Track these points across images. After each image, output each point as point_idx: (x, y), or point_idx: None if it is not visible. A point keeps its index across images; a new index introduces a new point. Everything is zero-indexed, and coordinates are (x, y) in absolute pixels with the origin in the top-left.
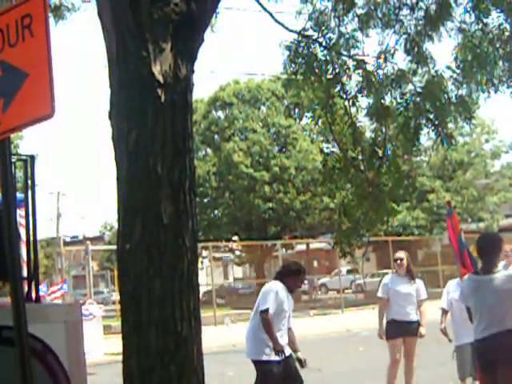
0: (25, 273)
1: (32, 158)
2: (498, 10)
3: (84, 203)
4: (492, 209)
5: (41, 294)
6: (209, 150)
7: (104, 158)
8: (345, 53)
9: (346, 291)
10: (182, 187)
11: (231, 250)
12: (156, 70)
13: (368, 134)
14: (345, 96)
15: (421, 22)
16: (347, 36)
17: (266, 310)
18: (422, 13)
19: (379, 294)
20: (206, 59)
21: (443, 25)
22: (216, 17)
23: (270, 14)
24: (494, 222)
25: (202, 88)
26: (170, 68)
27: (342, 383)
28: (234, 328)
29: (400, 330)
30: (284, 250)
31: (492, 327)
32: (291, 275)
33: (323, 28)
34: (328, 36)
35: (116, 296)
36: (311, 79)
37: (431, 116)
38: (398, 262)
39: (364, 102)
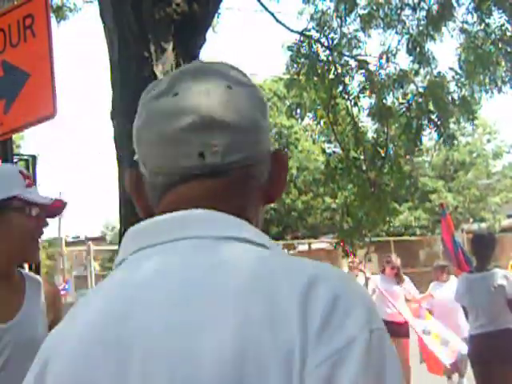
0: None
1: (34, 157)
2: (500, 11)
3: (85, 203)
4: (494, 209)
5: None
6: None
7: (106, 158)
8: (347, 53)
9: None
10: None
11: None
12: (158, 70)
13: (370, 135)
14: (347, 96)
15: (423, 23)
16: (349, 36)
17: None
18: (423, 13)
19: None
20: (208, 59)
21: (445, 25)
22: (218, 17)
23: (272, 15)
24: (496, 222)
25: None
26: (171, 68)
27: None
28: None
29: (389, 330)
30: (286, 250)
31: (486, 325)
32: None
33: (325, 28)
34: (330, 36)
35: None
36: (313, 79)
37: (433, 116)
38: (395, 270)
39: (366, 102)
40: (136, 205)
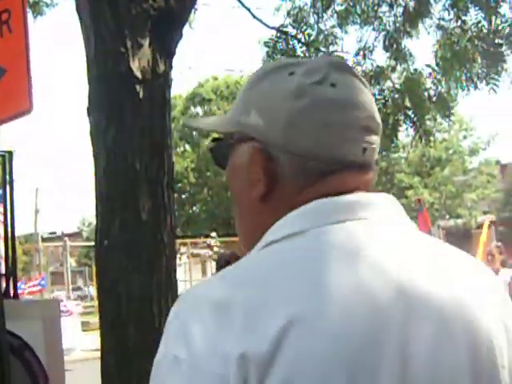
0: (3, 269)
1: (10, 153)
2: (477, 8)
3: (62, 198)
4: (470, 205)
5: (19, 291)
6: (187, 146)
7: (82, 154)
8: (323, 49)
9: None
10: (161, 183)
11: (209, 247)
12: (134, 66)
13: None
14: None
15: (400, 19)
16: (326, 33)
17: None
18: (400, 10)
19: None
20: (185, 55)
21: (422, 22)
22: (194, 13)
23: (249, 10)
24: (472, 218)
25: (181, 84)
26: (148, 64)
27: None
28: None
29: None
30: None
31: None
32: None
33: (302, 24)
34: (307, 32)
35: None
36: None
37: (410, 113)
38: None
39: None
40: (257, 182)
